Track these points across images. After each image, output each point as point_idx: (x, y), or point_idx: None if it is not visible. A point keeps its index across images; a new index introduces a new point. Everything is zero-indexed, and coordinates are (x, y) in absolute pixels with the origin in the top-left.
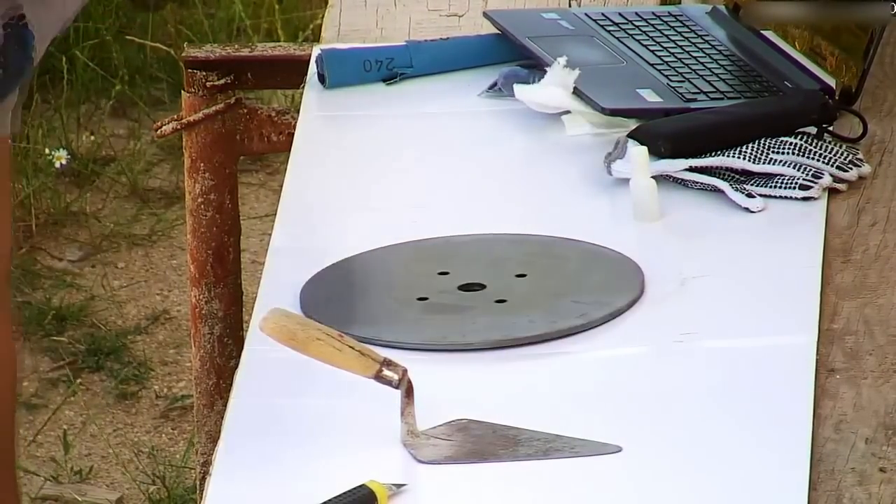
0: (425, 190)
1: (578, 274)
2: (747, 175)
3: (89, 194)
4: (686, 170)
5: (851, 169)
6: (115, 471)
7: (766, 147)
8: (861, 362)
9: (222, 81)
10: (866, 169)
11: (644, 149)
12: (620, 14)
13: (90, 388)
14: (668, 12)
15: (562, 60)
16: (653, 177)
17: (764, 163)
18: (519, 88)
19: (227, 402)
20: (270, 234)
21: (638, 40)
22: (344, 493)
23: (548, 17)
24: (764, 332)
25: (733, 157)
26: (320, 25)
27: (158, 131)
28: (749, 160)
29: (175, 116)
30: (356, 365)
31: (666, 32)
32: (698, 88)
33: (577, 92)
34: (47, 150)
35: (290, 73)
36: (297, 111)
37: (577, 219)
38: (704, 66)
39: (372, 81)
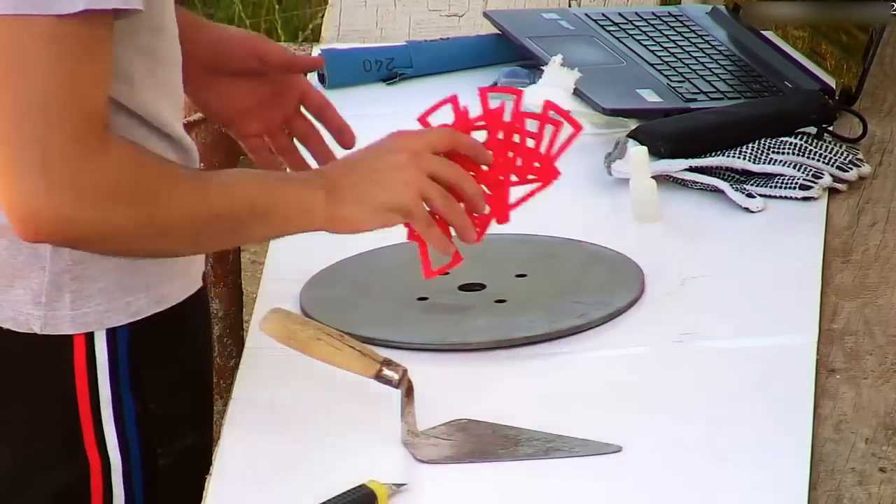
0: None
1: (578, 274)
2: (747, 175)
3: None
4: (686, 170)
5: (851, 169)
6: None
7: (766, 147)
8: (861, 362)
9: None
10: (866, 169)
11: (644, 149)
12: (620, 14)
13: None
14: (668, 12)
15: (557, 59)
16: (653, 177)
17: (764, 163)
18: None
19: (227, 402)
20: None
21: (638, 40)
22: (344, 493)
23: (548, 17)
24: (764, 332)
25: (733, 157)
26: (320, 25)
27: None
28: (749, 160)
29: None
30: (356, 365)
31: (666, 32)
32: (698, 88)
33: (577, 92)
34: None
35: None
36: None
37: (577, 219)
38: (704, 66)
39: (372, 81)
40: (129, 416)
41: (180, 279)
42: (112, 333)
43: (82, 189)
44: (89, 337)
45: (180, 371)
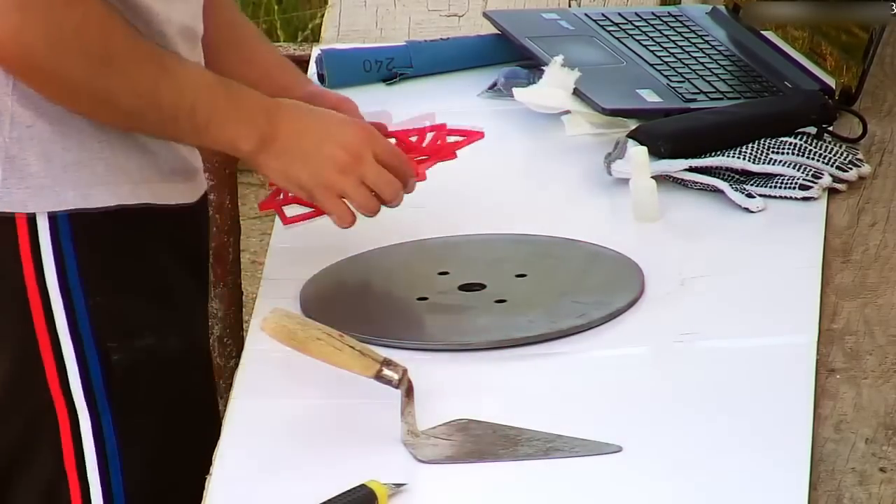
0: (425, 190)
1: (578, 274)
2: (747, 175)
3: None
4: (686, 170)
5: (851, 169)
6: None
7: (766, 147)
8: (861, 362)
9: None
10: (866, 169)
11: (644, 149)
12: (620, 14)
13: None
14: (668, 12)
15: (558, 59)
16: (653, 177)
17: (764, 163)
18: (518, 91)
19: (227, 402)
20: (270, 234)
21: (638, 40)
22: (344, 493)
23: (548, 18)
24: (764, 332)
25: (733, 157)
26: (320, 25)
27: None
28: (749, 160)
29: None
30: (356, 365)
31: (666, 32)
32: (698, 88)
33: (577, 92)
34: None
35: None
36: None
37: (577, 219)
38: (704, 66)
39: (372, 81)
40: (80, 308)
41: (110, 185)
42: (53, 220)
43: (45, 20)
44: (31, 221)
45: (129, 271)
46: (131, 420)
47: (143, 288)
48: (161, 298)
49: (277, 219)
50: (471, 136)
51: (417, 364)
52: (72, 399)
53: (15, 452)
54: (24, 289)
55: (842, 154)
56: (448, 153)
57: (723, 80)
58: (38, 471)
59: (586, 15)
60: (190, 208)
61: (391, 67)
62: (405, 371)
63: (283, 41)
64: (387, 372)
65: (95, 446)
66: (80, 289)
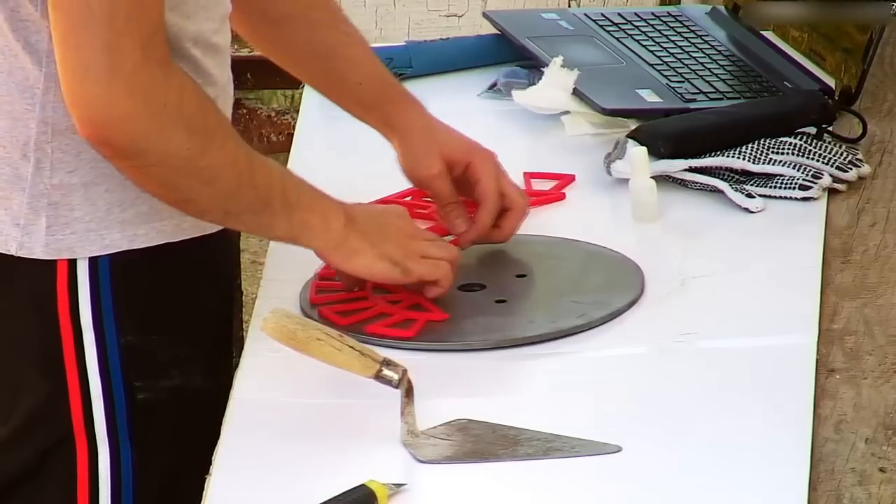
0: None
1: (578, 274)
2: (747, 175)
3: None
4: (686, 170)
5: (851, 169)
6: None
7: (766, 147)
8: (861, 362)
9: None
10: (866, 169)
11: (644, 149)
12: (620, 14)
13: None
14: (668, 12)
15: (558, 60)
16: (653, 177)
17: (764, 163)
18: (518, 94)
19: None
20: None
21: (638, 40)
22: (344, 493)
23: (547, 18)
24: (764, 332)
25: (733, 157)
26: None
27: None
28: (749, 160)
29: None
30: (356, 365)
31: (665, 33)
32: (698, 89)
33: (576, 92)
34: None
35: (291, 74)
36: (297, 111)
37: (577, 219)
38: (704, 66)
39: None
40: (112, 346)
41: (155, 223)
42: (94, 262)
43: (150, 101)
44: (71, 262)
45: (163, 311)
46: (150, 455)
47: (174, 325)
48: (191, 334)
49: None
50: (563, 179)
51: (417, 364)
52: (93, 433)
53: (24, 480)
54: (56, 326)
55: (842, 154)
56: (559, 196)
57: (723, 80)
58: (44, 499)
59: (586, 15)
60: (225, 231)
61: (391, 68)
62: (405, 371)
63: None
64: (387, 372)
65: (111, 480)
66: (114, 327)
